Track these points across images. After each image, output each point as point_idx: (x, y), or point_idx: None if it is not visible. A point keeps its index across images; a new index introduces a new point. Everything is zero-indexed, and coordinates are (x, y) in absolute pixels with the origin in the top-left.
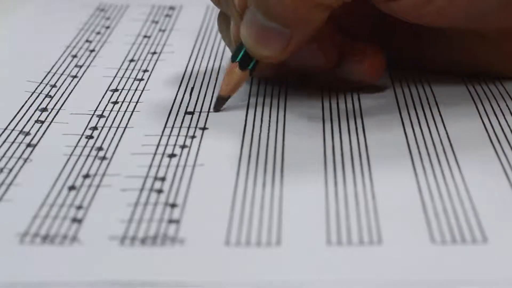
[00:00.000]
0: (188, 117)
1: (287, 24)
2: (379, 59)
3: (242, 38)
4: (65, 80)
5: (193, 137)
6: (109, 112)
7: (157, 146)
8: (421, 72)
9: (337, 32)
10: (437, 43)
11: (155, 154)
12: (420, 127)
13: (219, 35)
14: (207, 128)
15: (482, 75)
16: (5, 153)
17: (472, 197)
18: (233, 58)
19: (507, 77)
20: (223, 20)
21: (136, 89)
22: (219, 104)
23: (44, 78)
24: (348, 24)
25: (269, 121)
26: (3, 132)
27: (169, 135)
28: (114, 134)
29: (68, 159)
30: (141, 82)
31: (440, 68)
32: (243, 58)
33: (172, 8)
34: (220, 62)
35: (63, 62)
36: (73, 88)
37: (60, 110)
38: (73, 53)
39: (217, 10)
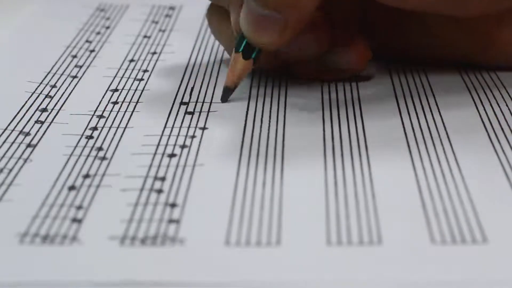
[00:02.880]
0: (188, 117)
1: (278, 9)
2: (364, 49)
3: (242, 28)
4: (65, 80)
5: (193, 137)
6: (109, 112)
7: (157, 146)
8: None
9: (327, 22)
10: (417, 32)
11: (155, 154)
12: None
13: None
14: (207, 128)
15: (463, 64)
16: (5, 153)
17: (472, 197)
18: (237, 49)
19: (484, 66)
20: (214, 12)
21: (136, 89)
22: (226, 95)
23: (44, 78)
24: (337, 16)
25: (269, 121)
26: (3, 132)
27: (169, 135)
28: (114, 134)
29: (68, 159)
30: (141, 82)
31: (421, 56)
32: (246, 48)
33: (172, 8)
34: (220, 62)
35: (63, 62)
36: (73, 89)
37: (60, 111)
38: (73, 53)
39: None
